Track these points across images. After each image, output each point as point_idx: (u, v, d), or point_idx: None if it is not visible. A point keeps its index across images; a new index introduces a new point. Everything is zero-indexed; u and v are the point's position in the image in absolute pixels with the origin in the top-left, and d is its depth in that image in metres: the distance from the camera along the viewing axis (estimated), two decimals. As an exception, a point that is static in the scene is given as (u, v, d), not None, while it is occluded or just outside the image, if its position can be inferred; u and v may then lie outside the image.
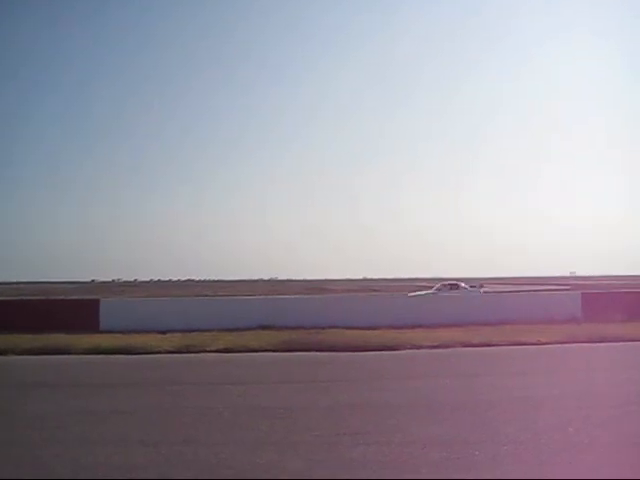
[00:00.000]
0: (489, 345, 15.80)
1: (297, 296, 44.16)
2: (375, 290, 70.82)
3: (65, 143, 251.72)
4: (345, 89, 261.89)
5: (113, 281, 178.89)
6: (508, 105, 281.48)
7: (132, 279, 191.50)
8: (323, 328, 18.90)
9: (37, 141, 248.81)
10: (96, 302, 23.54)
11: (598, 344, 15.68)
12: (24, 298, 35.86)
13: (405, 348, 15.61)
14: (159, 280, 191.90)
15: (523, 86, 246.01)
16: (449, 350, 15.32)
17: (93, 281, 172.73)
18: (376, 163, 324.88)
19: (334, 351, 15.25)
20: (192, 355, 15.27)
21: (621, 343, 15.82)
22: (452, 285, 39.54)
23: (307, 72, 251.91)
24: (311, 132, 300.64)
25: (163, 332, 18.62)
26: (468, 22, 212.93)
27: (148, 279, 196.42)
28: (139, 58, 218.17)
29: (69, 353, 15.66)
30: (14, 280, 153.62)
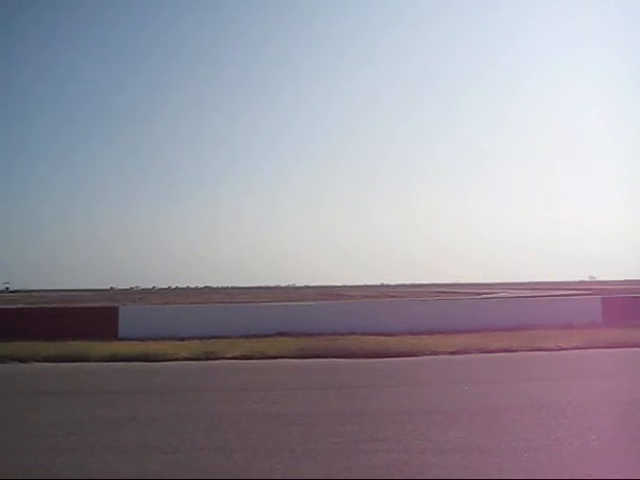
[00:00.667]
0: (508, 351, 15.66)
1: (315, 302, 44.07)
2: (392, 296, 70.56)
3: (80, 151, 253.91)
4: (356, 98, 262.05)
5: (131, 289, 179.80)
6: (524, 110, 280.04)
7: (150, 287, 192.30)
8: (341, 334, 18.87)
9: (51, 150, 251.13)
10: (115, 309, 23.64)
11: (619, 350, 15.50)
12: (44, 306, 36.12)
13: (423, 354, 15.52)
14: (177, 287, 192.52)
15: (538, 91, 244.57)
16: (467, 356, 15.22)
17: (112, 289, 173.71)
18: (392, 170, 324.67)
19: (352, 357, 15.21)
20: (210, 362, 15.25)
21: (642, 348, 15.65)
22: None
23: (318, 80, 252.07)
24: (325, 139, 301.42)
25: (181, 339, 18.65)
26: (478, 29, 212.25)
27: (166, 286, 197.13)
28: (152, 65, 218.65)
29: (88, 360, 15.69)
30: (34, 288, 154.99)
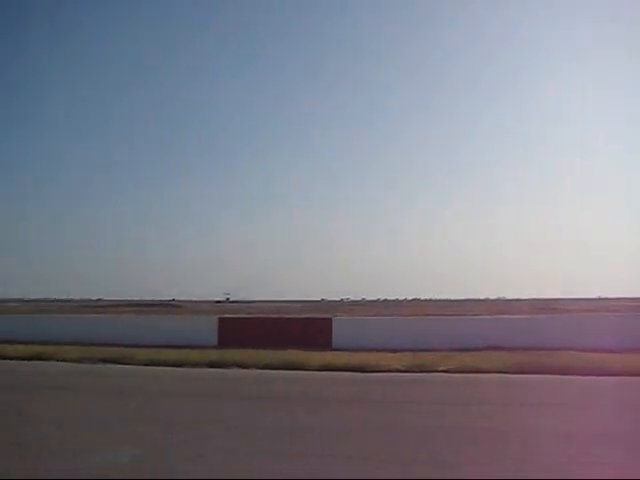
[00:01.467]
0: None
1: (528, 316, 42.60)
2: (613, 310, 66.13)
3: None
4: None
5: (342, 300, 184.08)
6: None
7: (359, 298, 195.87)
8: (557, 350, 17.96)
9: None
10: (328, 320, 24.39)
11: None
12: (263, 316, 38.17)
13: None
14: (385, 300, 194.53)
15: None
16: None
17: (323, 300, 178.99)
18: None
19: (570, 374, 14.41)
20: (422, 374, 15.20)
21: None
22: None
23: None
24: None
25: (392, 351, 18.75)
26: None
27: (375, 298, 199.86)
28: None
29: (303, 369, 16.36)
30: (251, 299, 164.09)
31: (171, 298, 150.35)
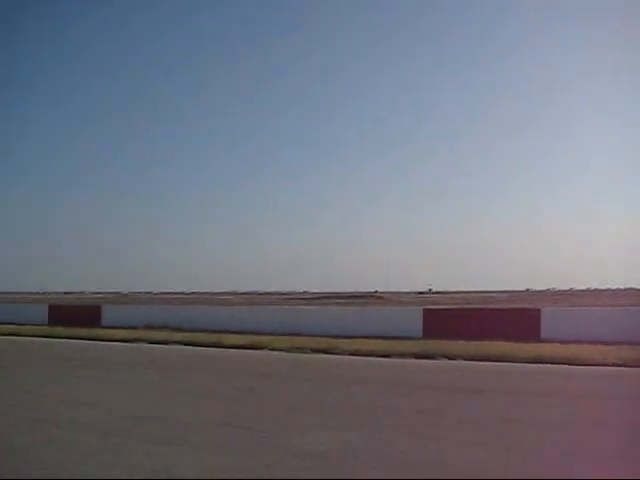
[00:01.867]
0: None
1: None
2: None
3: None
4: None
5: (548, 290, 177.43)
6: None
7: (567, 288, 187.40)
8: None
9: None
10: (536, 311, 23.77)
11: None
12: (467, 307, 37.94)
13: None
14: (595, 289, 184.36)
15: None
16: None
17: (528, 290, 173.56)
18: None
19: None
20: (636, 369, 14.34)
21: None
22: None
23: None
24: None
25: (607, 343, 17.81)
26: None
27: (584, 287, 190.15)
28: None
29: (511, 361, 16.03)
30: (452, 290, 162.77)
31: (374, 290, 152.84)
